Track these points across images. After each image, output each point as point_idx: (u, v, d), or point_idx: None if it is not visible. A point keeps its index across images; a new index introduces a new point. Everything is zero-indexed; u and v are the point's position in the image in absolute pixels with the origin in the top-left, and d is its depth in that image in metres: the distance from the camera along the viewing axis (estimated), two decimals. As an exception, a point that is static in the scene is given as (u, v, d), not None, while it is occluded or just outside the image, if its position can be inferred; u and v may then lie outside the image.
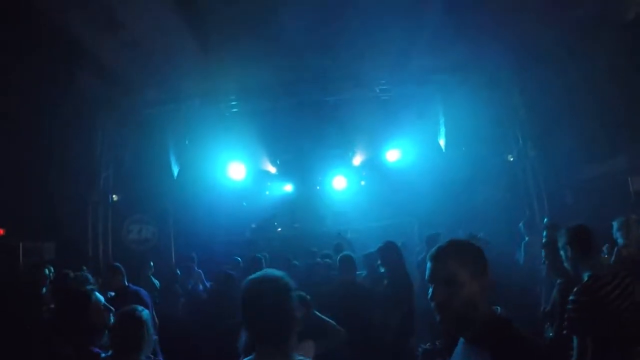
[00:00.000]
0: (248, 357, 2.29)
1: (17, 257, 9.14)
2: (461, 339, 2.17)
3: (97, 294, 3.55)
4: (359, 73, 11.20)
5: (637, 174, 9.10)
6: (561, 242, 3.92)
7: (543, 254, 5.05)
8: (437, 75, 11.51)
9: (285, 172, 15.28)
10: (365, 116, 12.48)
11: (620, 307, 3.45)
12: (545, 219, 8.86)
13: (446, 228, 9.76)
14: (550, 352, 3.64)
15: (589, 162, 9.85)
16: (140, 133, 11.86)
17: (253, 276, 2.32)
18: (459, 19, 8.33)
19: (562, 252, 3.93)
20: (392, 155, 14.24)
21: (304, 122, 12.85)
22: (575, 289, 3.63)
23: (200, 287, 8.67)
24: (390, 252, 6.31)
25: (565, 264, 3.92)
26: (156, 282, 8.88)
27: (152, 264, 9.18)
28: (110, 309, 3.54)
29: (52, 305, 5.30)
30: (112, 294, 6.07)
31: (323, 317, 4.37)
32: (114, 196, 12.00)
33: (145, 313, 3.46)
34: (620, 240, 5.41)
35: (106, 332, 3.48)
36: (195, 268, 9.76)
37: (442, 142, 13.31)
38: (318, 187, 15.61)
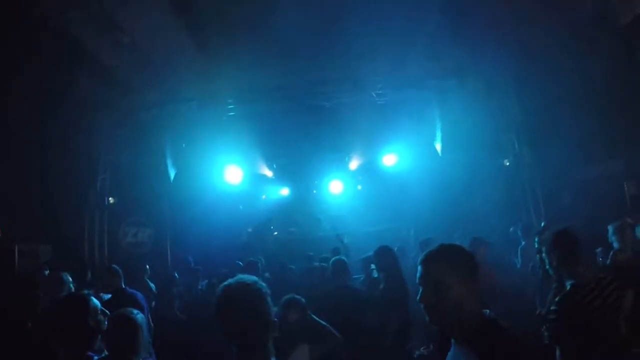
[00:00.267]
0: None
1: (13, 259, 9.10)
2: (452, 340, 2.24)
3: (94, 298, 3.54)
4: (355, 77, 11.24)
5: (633, 178, 9.13)
6: (545, 248, 3.80)
7: (537, 258, 5.04)
8: (433, 79, 11.56)
9: (282, 176, 15.28)
10: (362, 120, 12.50)
11: (604, 315, 3.34)
12: (543, 223, 8.88)
13: (442, 232, 9.77)
14: (542, 354, 3.63)
15: (586, 166, 9.88)
16: (138, 136, 11.86)
17: (226, 282, 2.29)
18: (456, 24, 8.37)
19: (545, 259, 3.81)
20: (389, 159, 14.26)
21: (300, 126, 12.87)
22: (556, 299, 3.54)
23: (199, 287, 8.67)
24: (385, 256, 6.31)
25: (550, 271, 3.80)
26: (152, 285, 8.85)
27: (148, 267, 9.14)
28: (106, 312, 3.53)
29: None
30: (108, 296, 6.06)
31: (319, 320, 4.36)
32: (110, 199, 11.98)
33: (140, 316, 3.46)
34: (615, 244, 5.41)
35: (100, 335, 3.47)
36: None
37: (438, 146, 13.35)
38: (314, 191, 15.62)
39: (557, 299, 3.52)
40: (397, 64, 10.18)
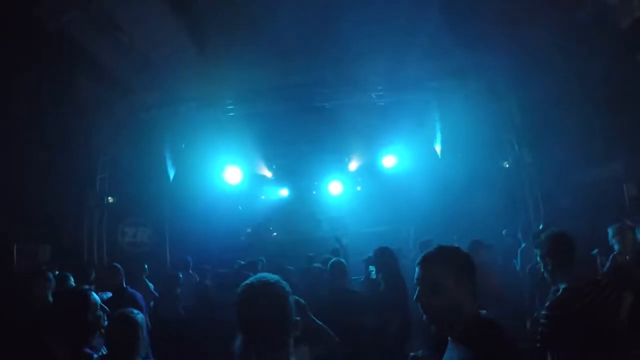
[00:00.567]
0: None
1: (12, 258, 9.11)
2: (449, 339, 2.29)
3: (95, 294, 3.55)
4: (355, 79, 11.23)
5: (632, 181, 9.13)
6: (540, 252, 3.77)
7: (537, 259, 5.04)
8: (433, 81, 11.56)
9: (282, 176, 15.28)
10: (362, 121, 12.51)
11: (598, 318, 3.30)
12: (541, 225, 8.88)
13: (442, 234, 9.76)
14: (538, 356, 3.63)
15: (585, 168, 9.88)
16: (137, 136, 11.86)
17: (248, 281, 2.26)
18: (455, 26, 8.37)
19: (540, 263, 3.77)
20: (389, 161, 14.26)
21: (300, 126, 12.88)
22: (548, 303, 3.52)
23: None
24: (385, 257, 6.31)
25: (545, 274, 3.75)
26: (150, 285, 8.86)
27: (146, 266, 9.15)
28: (106, 309, 3.54)
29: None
30: (109, 294, 6.06)
31: (318, 321, 4.35)
32: (109, 198, 11.97)
33: (140, 316, 3.47)
34: (616, 247, 5.42)
35: (99, 333, 3.47)
36: (190, 272, 9.77)
37: (438, 148, 13.36)
38: (314, 192, 15.62)
39: (547, 304, 3.52)
40: (397, 65, 10.17)
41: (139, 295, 6.20)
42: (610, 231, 5.48)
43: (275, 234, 15.39)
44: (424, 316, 2.28)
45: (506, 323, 2.31)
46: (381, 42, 8.88)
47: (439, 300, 2.21)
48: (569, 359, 3.31)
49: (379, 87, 11.76)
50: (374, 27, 8.40)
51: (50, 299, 5.65)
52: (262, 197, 15.61)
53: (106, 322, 3.54)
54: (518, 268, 8.03)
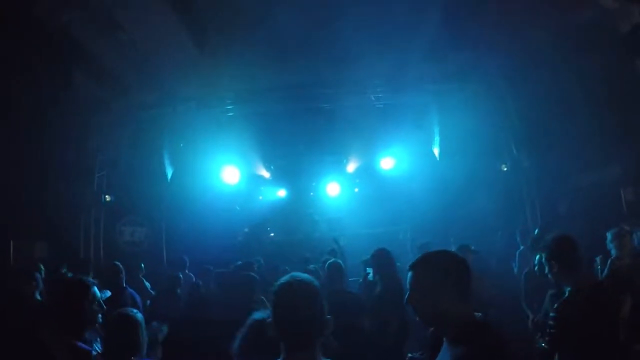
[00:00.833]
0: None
1: (8, 255, 9.09)
2: (444, 340, 2.39)
3: (97, 288, 3.55)
4: (354, 80, 11.24)
5: (629, 185, 9.15)
6: (545, 255, 3.81)
7: (534, 262, 5.07)
8: (432, 84, 11.56)
9: (279, 177, 15.28)
10: (360, 123, 12.51)
11: (601, 320, 3.36)
12: (536, 230, 8.91)
13: (439, 237, 9.78)
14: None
15: (583, 172, 9.90)
16: (136, 134, 11.85)
17: (284, 280, 2.31)
18: (456, 29, 8.37)
19: (545, 266, 3.81)
20: (387, 163, 14.26)
21: (299, 127, 12.87)
22: (556, 305, 3.57)
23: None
24: (383, 259, 6.31)
25: (550, 277, 3.80)
26: (147, 284, 8.86)
27: (143, 265, 9.14)
28: (103, 307, 3.54)
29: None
30: (108, 293, 6.05)
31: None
32: (107, 197, 11.96)
33: (140, 315, 3.50)
34: (614, 252, 5.44)
35: (92, 328, 3.47)
36: (187, 271, 9.75)
37: (436, 150, 13.37)
38: (312, 193, 15.62)
39: (555, 306, 3.56)
40: (397, 67, 10.17)
41: (137, 297, 6.21)
42: (608, 236, 5.51)
43: (272, 234, 15.39)
44: (417, 317, 2.40)
45: (500, 326, 2.37)
46: (381, 44, 8.87)
47: (427, 303, 2.32)
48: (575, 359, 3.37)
49: (378, 89, 11.76)
50: (374, 28, 8.39)
51: (38, 297, 5.67)
52: (260, 197, 15.60)
53: (101, 321, 3.54)
54: (516, 271, 8.04)
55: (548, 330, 3.52)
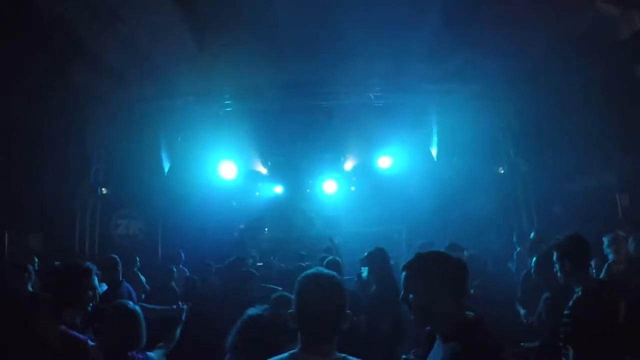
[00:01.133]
0: (291, 351, 2.27)
1: (3, 247, 9.07)
2: (437, 337, 2.45)
3: (96, 279, 3.56)
4: (354, 79, 11.23)
5: (625, 190, 9.19)
6: (557, 254, 3.82)
7: (531, 263, 5.08)
8: (432, 84, 11.56)
9: (276, 173, 15.24)
10: (359, 122, 12.49)
11: (614, 319, 3.46)
12: (533, 233, 8.95)
13: (435, 237, 9.77)
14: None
15: (579, 177, 9.94)
16: (133, 128, 11.80)
17: (308, 273, 2.35)
18: (456, 30, 8.38)
19: (556, 265, 3.83)
20: (384, 162, 14.25)
21: (297, 124, 12.85)
22: (570, 303, 3.63)
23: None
24: (378, 258, 6.31)
25: (559, 277, 3.83)
26: (142, 277, 8.84)
27: (137, 259, 9.13)
28: (96, 296, 3.55)
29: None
30: (104, 287, 6.03)
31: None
32: (103, 190, 11.93)
33: (138, 308, 3.50)
34: (611, 257, 5.47)
35: (82, 314, 3.45)
36: (181, 266, 9.75)
37: (434, 151, 13.38)
38: (308, 190, 15.59)
39: (570, 304, 3.63)
40: (396, 67, 10.18)
41: (133, 293, 6.19)
42: (605, 241, 5.54)
43: (266, 230, 15.37)
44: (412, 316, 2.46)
45: (495, 324, 2.41)
46: (381, 43, 8.87)
47: (421, 303, 2.37)
48: (589, 357, 3.45)
49: (378, 88, 11.76)
50: (373, 28, 8.39)
51: (30, 289, 5.64)
52: (257, 193, 15.57)
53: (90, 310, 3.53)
54: (514, 270, 8.08)
55: (562, 329, 3.59)
